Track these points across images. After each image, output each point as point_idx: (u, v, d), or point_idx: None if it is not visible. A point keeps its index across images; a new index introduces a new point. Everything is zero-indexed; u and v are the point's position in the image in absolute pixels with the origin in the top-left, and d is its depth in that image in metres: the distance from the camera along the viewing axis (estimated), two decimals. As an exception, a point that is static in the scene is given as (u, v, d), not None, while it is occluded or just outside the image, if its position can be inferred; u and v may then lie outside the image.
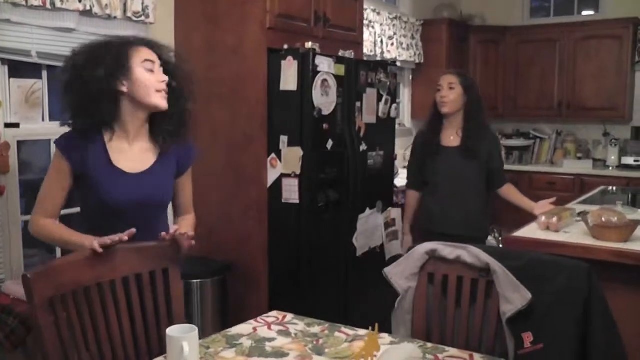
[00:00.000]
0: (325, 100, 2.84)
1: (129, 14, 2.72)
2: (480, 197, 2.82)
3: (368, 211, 3.23)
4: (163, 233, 1.59)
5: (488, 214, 2.89)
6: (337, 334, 1.57)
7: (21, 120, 2.52)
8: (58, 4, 2.41)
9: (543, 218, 2.40)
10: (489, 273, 1.57)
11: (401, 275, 1.65)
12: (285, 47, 2.83)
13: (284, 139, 2.83)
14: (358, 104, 3.11)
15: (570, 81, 5.08)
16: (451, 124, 2.82)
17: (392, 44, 4.58)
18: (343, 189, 3.04)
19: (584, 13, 5.39)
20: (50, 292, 1.38)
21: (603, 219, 2.22)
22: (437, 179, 2.83)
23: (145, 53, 1.67)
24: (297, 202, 2.83)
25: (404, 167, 4.14)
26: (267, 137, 2.86)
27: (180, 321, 1.59)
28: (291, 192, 2.82)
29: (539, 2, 5.63)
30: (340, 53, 3.09)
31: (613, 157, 4.94)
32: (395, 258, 3.39)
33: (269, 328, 1.61)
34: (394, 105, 3.43)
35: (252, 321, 1.66)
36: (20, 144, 2.55)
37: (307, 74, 2.75)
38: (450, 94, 2.77)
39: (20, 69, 2.51)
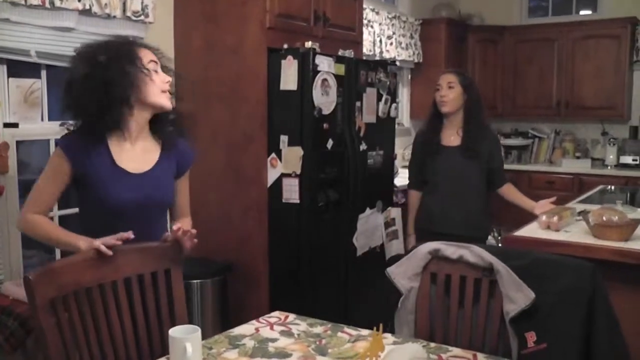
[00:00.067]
0: (325, 99, 2.84)
1: (129, 14, 2.71)
2: (480, 197, 2.81)
3: (368, 211, 3.23)
4: (167, 233, 1.58)
5: (488, 213, 2.89)
6: (339, 334, 1.57)
7: (20, 120, 2.51)
8: (57, 3, 2.39)
9: (544, 217, 2.40)
10: (492, 273, 1.57)
11: (404, 275, 1.65)
12: (285, 46, 2.82)
13: (284, 138, 2.82)
14: (358, 103, 3.10)
15: (569, 80, 5.08)
16: (451, 123, 2.82)
17: (391, 44, 4.58)
18: (343, 188, 3.03)
19: (582, 12, 5.40)
20: (51, 293, 1.38)
21: (604, 218, 2.22)
22: (437, 178, 2.82)
23: (149, 54, 1.67)
24: (298, 201, 2.82)
25: (403, 166, 4.14)
26: (267, 137, 2.86)
27: (182, 322, 1.59)
28: (291, 192, 2.82)
29: (537, 1, 5.63)
30: (340, 52, 3.09)
31: (611, 156, 4.95)
32: (395, 258, 3.40)
33: (272, 328, 1.60)
34: (394, 105, 3.43)
35: (254, 321, 1.65)
36: (19, 143, 2.54)
37: (307, 73, 2.75)
38: (450, 93, 2.77)
39: (19, 68, 2.49)
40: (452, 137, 2.81)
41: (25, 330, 2.15)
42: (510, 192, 2.84)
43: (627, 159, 4.88)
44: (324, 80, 2.83)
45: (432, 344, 1.51)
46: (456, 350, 1.47)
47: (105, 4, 2.59)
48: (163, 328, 1.58)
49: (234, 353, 1.44)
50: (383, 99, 3.31)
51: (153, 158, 1.72)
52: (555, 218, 2.36)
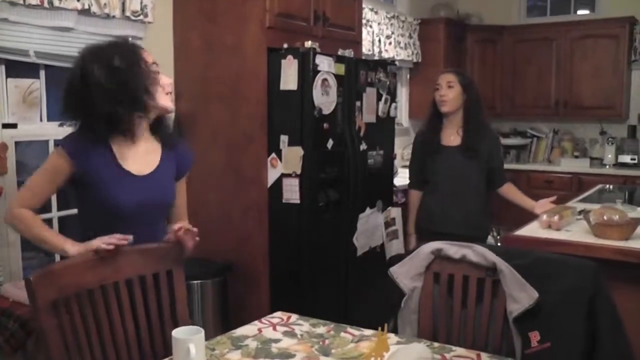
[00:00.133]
0: (325, 99, 2.83)
1: (128, 13, 2.70)
2: (480, 197, 2.81)
3: (368, 210, 3.23)
4: (174, 231, 1.57)
5: (488, 213, 2.89)
6: (342, 334, 1.56)
7: (19, 121, 2.49)
8: (56, 3, 2.38)
9: (544, 217, 2.40)
10: (495, 272, 1.57)
11: (407, 275, 1.64)
12: (285, 46, 2.81)
13: (284, 138, 2.82)
14: (358, 103, 3.10)
15: (567, 80, 5.09)
16: (451, 122, 2.82)
17: (390, 43, 4.57)
18: (343, 188, 3.03)
19: (580, 12, 5.41)
20: (53, 295, 1.37)
21: (605, 217, 2.22)
22: (437, 178, 2.82)
23: (150, 56, 1.67)
24: (298, 202, 2.81)
25: (403, 166, 4.14)
26: (267, 137, 2.85)
27: (184, 323, 1.58)
28: (292, 192, 2.81)
29: (535, 1, 5.64)
30: (340, 52, 3.08)
31: (610, 156, 4.96)
32: (396, 257, 3.41)
33: (274, 329, 1.59)
34: (394, 105, 3.43)
35: (256, 322, 1.65)
36: (17, 144, 2.52)
37: (307, 73, 2.74)
38: (449, 92, 2.76)
39: (17, 68, 2.48)
40: (452, 136, 2.81)
41: (25, 332, 2.14)
42: (510, 191, 2.84)
43: (626, 158, 4.89)
44: (324, 80, 2.82)
45: (436, 344, 1.51)
46: (460, 350, 1.47)
47: (105, 4, 2.58)
48: (165, 329, 1.57)
49: (237, 354, 1.43)
50: (383, 98, 3.30)
51: (155, 160, 1.71)
52: (556, 217, 2.36)
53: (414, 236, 2.95)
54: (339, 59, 2.94)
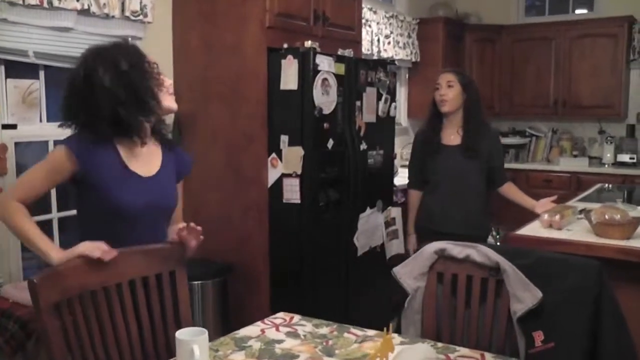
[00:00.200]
0: (325, 99, 2.83)
1: (127, 13, 2.69)
2: (480, 196, 2.81)
3: (368, 210, 3.22)
4: (177, 231, 1.56)
5: (488, 213, 2.89)
6: (346, 334, 1.56)
7: (18, 122, 2.48)
8: (55, 3, 2.37)
9: (546, 216, 2.40)
10: (499, 272, 1.57)
11: (410, 274, 1.64)
12: (285, 46, 2.81)
13: (284, 138, 2.81)
14: (358, 103, 3.10)
15: (566, 79, 5.10)
16: (451, 122, 2.81)
17: (389, 43, 4.57)
18: (344, 188, 3.02)
19: (579, 11, 5.41)
20: (56, 296, 1.36)
21: (606, 217, 2.22)
22: (437, 177, 2.82)
23: (150, 57, 1.65)
24: (299, 202, 2.81)
25: (402, 166, 4.14)
26: (267, 137, 2.85)
27: (187, 324, 1.57)
28: (292, 192, 2.81)
29: (534, 0, 5.64)
30: (340, 52, 3.08)
31: (609, 155, 4.97)
32: (396, 257, 3.41)
33: (277, 330, 1.59)
34: (394, 104, 3.42)
35: (259, 323, 1.64)
36: (17, 145, 2.51)
37: (307, 73, 2.74)
38: (449, 92, 2.76)
39: (16, 69, 2.47)
40: (452, 136, 2.81)
41: (25, 333, 2.13)
42: (511, 190, 2.84)
43: (624, 157, 4.89)
44: (324, 79, 2.82)
45: (440, 344, 1.51)
46: (464, 350, 1.46)
47: (104, 4, 2.57)
48: (168, 330, 1.56)
49: (241, 355, 1.43)
50: (383, 98, 3.30)
51: (157, 161, 1.70)
52: (558, 217, 2.36)
53: (414, 236, 2.95)
54: (339, 59, 2.94)
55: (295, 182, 2.80)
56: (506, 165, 3.62)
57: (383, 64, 3.34)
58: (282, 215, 2.86)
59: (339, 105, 2.93)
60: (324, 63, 2.81)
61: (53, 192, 2.63)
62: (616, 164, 4.92)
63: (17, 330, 2.13)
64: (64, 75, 1.66)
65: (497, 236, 4.20)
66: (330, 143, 2.91)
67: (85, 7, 2.50)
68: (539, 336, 1.48)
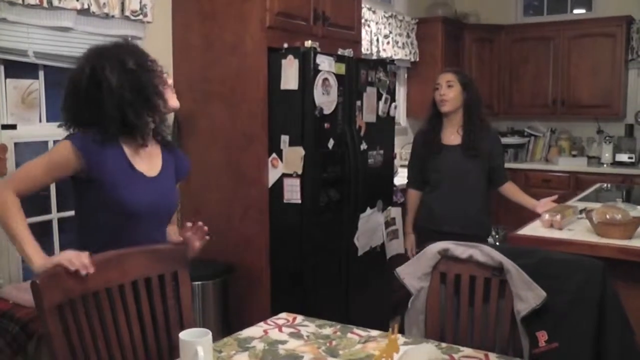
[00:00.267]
0: (326, 99, 2.83)
1: (127, 13, 2.68)
2: (481, 196, 2.81)
3: (369, 210, 3.22)
4: (181, 231, 1.56)
5: (489, 212, 2.89)
6: (349, 335, 1.56)
7: (18, 122, 2.47)
8: (55, 3, 2.36)
9: (547, 216, 2.40)
10: (502, 272, 1.57)
11: (413, 275, 1.64)
12: (285, 45, 2.80)
13: (285, 138, 2.81)
14: (358, 102, 3.09)
15: (565, 79, 5.10)
16: (451, 122, 2.81)
17: (388, 43, 4.57)
18: (344, 188, 3.02)
19: (577, 11, 5.42)
20: (59, 297, 1.36)
21: (607, 217, 2.23)
22: (437, 177, 2.82)
23: (151, 56, 1.65)
24: (299, 202, 2.80)
25: (402, 166, 4.14)
26: (267, 137, 2.84)
27: (189, 325, 1.57)
28: (293, 192, 2.80)
29: (532, 0, 5.65)
30: (340, 52, 3.07)
31: (607, 154, 4.98)
32: (396, 257, 3.40)
33: (280, 330, 1.59)
34: (394, 104, 3.42)
35: (262, 323, 1.64)
36: (16, 145, 2.50)
37: (308, 72, 2.73)
38: (449, 92, 2.76)
39: (16, 69, 2.46)
40: (452, 136, 2.81)
41: (26, 335, 2.12)
42: (511, 190, 2.84)
43: (623, 157, 4.90)
44: (325, 79, 2.81)
45: (443, 344, 1.51)
46: (467, 351, 1.46)
47: (104, 4, 2.56)
48: (171, 331, 1.56)
49: (244, 356, 1.42)
50: (383, 98, 3.30)
51: (158, 161, 1.69)
52: (558, 216, 2.37)
53: (412, 236, 2.95)
54: (339, 59, 2.93)
55: (296, 182, 2.80)
56: (505, 165, 3.63)
57: (383, 63, 3.34)
58: (283, 215, 2.85)
59: (339, 105, 2.93)
60: (325, 63, 2.81)
61: (53, 193, 2.62)
62: (615, 163, 4.93)
63: (18, 331, 2.12)
64: (63, 75, 1.65)
65: (497, 236, 4.20)
66: (331, 143, 2.91)
67: (85, 6, 2.48)
68: (542, 336, 1.48)
